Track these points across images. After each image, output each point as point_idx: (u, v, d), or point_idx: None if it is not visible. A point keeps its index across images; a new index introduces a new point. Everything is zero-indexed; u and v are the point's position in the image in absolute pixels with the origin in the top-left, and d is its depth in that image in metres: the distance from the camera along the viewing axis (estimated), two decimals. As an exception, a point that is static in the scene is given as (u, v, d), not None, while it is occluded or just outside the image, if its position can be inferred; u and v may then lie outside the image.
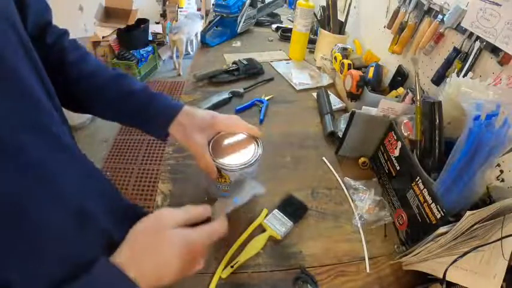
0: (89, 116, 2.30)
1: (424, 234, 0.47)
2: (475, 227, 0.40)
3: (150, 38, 3.06)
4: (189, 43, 3.12)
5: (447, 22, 0.66)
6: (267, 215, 0.56)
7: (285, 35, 1.32)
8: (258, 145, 0.50)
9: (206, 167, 0.47)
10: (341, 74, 0.90)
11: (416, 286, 0.49)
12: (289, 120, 0.84)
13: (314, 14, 1.11)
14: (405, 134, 0.58)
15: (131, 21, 2.85)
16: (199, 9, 3.44)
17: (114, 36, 2.71)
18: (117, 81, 0.45)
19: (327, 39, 1.07)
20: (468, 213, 0.39)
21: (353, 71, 0.81)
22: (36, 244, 0.28)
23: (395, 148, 0.59)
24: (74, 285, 0.27)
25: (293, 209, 0.58)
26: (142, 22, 2.85)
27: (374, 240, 0.56)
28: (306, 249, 0.53)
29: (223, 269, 0.48)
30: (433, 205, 0.47)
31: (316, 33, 1.30)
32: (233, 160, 0.48)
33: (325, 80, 1.03)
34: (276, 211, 0.56)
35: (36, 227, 0.28)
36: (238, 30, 1.31)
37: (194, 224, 0.37)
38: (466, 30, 0.61)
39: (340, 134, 0.71)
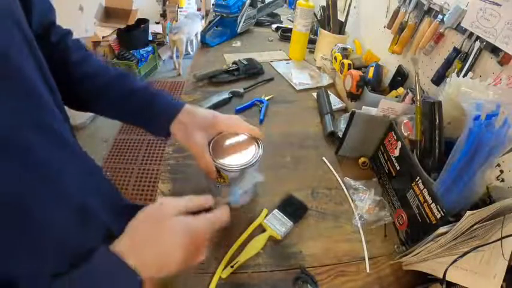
0: (89, 115, 2.31)
1: (424, 234, 0.47)
2: (475, 227, 0.40)
3: (150, 38, 3.06)
4: (189, 43, 3.12)
5: (447, 22, 0.66)
6: (267, 215, 0.56)
7: (285, 35, 1.32)
8: (259, 146, 0.50)
9: (206, 167, 0.47)
10: (341, 74, 0.90)
11: (416, 286, 0.49)
12: (289, 120, 0.84)
13: (314, 14, 1.11)
14: (405, 134, 0.58)
15: (131, 21, 2.85)
16: (199, 9, 3.44)
17: (114, 36, 2.71)
18: (119, 80, 0.46)
19: (327, 39, 1.07)
20: (468, 213, 0.39)
21: (353, 71, 0.81)
22: (40, 242, 0.29)
23: (395, 148, 0.59)
24: (72, 274, 0.27)
25: (293, 209, 0.58)
26: (142, 22, 2.85)
27: (374, 240, 0.56)
28: (306, 249, 0.53)
29: (223, 269, 0.48)
30: (433, 205, 0.47)
31: (316, 33, 1.30)
32: (233, 161, 0.47)
33: (325, 80, 1.03)
34: (276, 211, 0.56)
35: (39, 225, 0.28)
36: (238, 30, 1.31)
37: (196, 214, 0.36)
38: (466, 30, 0.61)
39: (340, 134, 0.71)
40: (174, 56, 2.99)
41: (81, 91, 0.44)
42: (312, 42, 1.20)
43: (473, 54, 0.60)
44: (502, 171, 0.53)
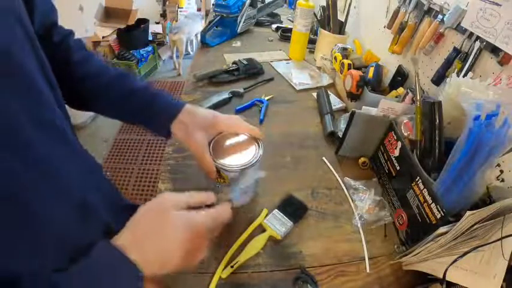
0: (89, 115, 2.31)
1: (424, 234, 0.47)
2: (475, 227, 0.40)
3: (150, 38, 3.06)
4: (189, 43, 3.12)
5: (447, 22, 0.66)
6: (267, 215, 0.56)
7: (285, 35, 1.32)
8: (259, 146, 0.50)
9: (206, 167, 0.47)
10: (341, 74, 0.90)
11: (416, 286, 0.49)
12: (289, 120, 0.84)
13: (314, 14, 1.11)
14: (405, 134, 0.58)
15: (131, 21, 2.85)
16: (199, 9, 3.44)
17: (114, 36, 2.71)
18: (120, 80, 0.46)
19: (327, 39, 1.07)
20: (468, 213, 0.39)
21: (353, 71, 0.81)
22: (40, 238, 0.29)
23: (395, 148, 0.59)
24: (72, 270, 0.27)
25: (293, 209, 0.58)
26: (142, 22, 2.85)
27: (374, 240, 0.56)
28: (306, 249, 0.53)
29: (223, 269, 0.48)
30: (433, 205, 0.47)
31: (316, 33, 1.30)
32: (233, 161, 0.47)
33: (325, 80, 1.03)
34: (276, 211, 0.56)
35: (40, 221, 0.28)
36: (238, 30, 1.31)
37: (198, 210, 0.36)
38: (466, 30, 0.61)
39: (340, 134, 0.71)
40: (174, 56, 2.99)
41: (82, 90, 0.45)
42: (312, 42, 1.20)
43: (473, 54, 0.60)
44: (502, 171, 0.53)
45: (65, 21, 0.44)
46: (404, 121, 0.59)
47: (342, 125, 0.74)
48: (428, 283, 0.47)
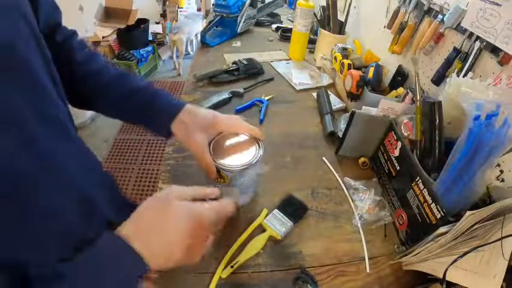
0: (89, 115, 2.31)
1: (424, 234, 0.47)
2: (475, 227, 0.40)
3: (150, 38, 3.06)
4: (189, 43, 3.12)
5: (447, 22, 0.66)
6: (267, 215, 0.56)
7: (285, 35, 1.32)
8: (259, 147, 0.50)
9: (206, 167, 0.47)
10: (341, 74, 0.90)
11: (416, 286, 0.49)
12: (289, 120, 0.84)
13: (314, 14, 1.11)
14: (405, 134, 0.58)
15: (131, 21, 2.85)
16: (199, 9, 3.44)
17: (114, 36, 2.71)
18: (120, 79, 0.47)
19: (327, 39, 1.07)
20: (468, 213, 0.39)
21: (353, 71, 0.81)
22: (43, 232, 0.29)
23: (395, 148, 0.59)
24: (77, 259, 0.27)
25: (293, 209, 0.58)
26: (142, 22, 2.85)
27: (374, 240, 0.56)
28: (306, 249, 0.53)
29: (223, 269, 0.48)
30: (433, 205, 0.47)
31: (316, 33, 1.30)
32: (233, 161, 0.47)
33: (325, 80, 1.03)
34: (276, 211, 0.56)
35: (42, 215, 0.29)
36: (238, 30, 1.31)
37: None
38: (466, 30, 0.61)
39: (340, 134, 0.71)
40: (174, 56, 2.99)
41: (83, 89, 0.45)
42: (312, 42, 1.20)
43: (473, 54, 0.60)
44: (502, 171, 0.53)
45: (65, 21, 0.44)
46: (404, 121, 0.59)
47: (342, 125, 0.74)
48: (428, 283, 0.47)
